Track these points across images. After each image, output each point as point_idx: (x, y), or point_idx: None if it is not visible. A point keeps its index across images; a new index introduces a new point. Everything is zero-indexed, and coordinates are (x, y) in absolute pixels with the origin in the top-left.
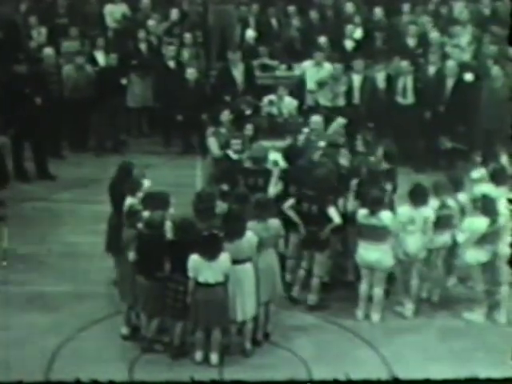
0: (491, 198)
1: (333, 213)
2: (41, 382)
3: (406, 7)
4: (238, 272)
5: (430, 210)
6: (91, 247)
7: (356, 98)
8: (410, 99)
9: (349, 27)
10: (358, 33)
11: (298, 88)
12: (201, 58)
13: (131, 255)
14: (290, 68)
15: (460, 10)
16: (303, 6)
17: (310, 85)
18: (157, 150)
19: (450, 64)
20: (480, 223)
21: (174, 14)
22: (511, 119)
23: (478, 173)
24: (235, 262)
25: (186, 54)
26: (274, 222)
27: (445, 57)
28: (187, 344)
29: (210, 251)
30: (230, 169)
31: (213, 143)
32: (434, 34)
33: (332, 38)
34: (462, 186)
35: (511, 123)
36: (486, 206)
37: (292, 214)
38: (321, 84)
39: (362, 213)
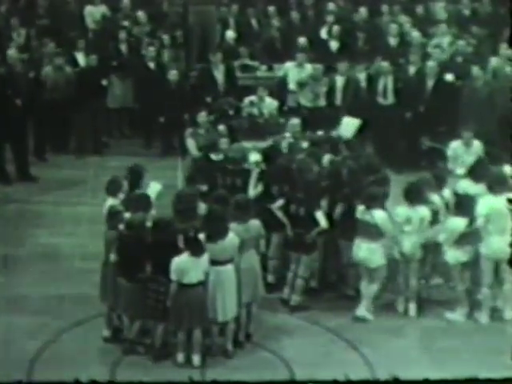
0: (467, 197)
1: (320, 216)
2: (41, 382)
3: (384, 7)
4: (219, 273)
5: (426, 209)
6: (72, 249)
7: (338, 98)
8: (390, 99)
9: (334, 27)
10: (338, 32)
11: (279, 89)
12: (181, 59)
13: (112, 256)
14: (270, 68)
15: (440, 10)
16: (283, 6)
17: (292, 85)
18: (138, 152)
19: (431, 64)
20: (458, 223)
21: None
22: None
23: (462, 169)
24: (217, 262)
25: (166, 54)
26: (255, 223)
27: (426, 57)
28: (169, 345)
29: (200, 249)
30: (209, 169)
31: (191, 144)
32: (415, 34)
33: (312, 38)
34: (445, 183)
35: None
36: (461, 205)
37: (280, 214)
38: (301, 84)
39: (360, 208)
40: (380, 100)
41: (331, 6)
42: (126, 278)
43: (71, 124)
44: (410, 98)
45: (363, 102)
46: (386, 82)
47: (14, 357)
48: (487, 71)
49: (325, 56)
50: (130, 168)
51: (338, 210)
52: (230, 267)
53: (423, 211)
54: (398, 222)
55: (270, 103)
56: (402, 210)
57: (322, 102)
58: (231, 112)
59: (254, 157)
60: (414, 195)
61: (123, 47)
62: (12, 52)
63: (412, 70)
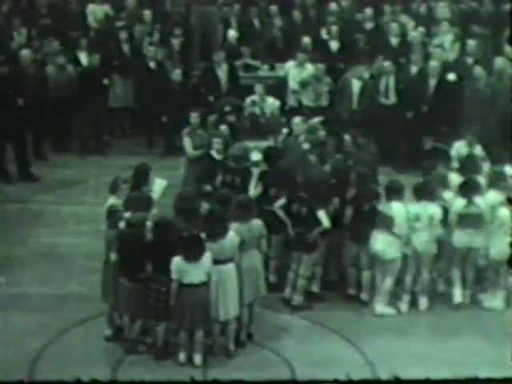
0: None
1: (322, 216)
2: (41, 382)
3: (386, 7)
4: (220, 272)
5: (436, 207)
6: (74, 248)
7: (354, 102)
8: (392, 99)
9: (333, 28)
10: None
11: (279, 88)
12: (182, 58)
13: (113, 256)
14: (272, 68)
15: (443, 9)
16: (285, 5)
17: (293, 85)
18: (140, 151)
19: (433, 64)
20: (458, 203)
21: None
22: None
23: None
24: (218, 262)
25: (167, 54)
26: (257, 223)
27: (427, 57)
28: (170, 345)
29: (193, 253)
30: (211, 169)
31: (187, 143)
32: (416, 34)
33: (314, 38)
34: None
35: None
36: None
37: (281, 214)
38: (303, 84)
39: (383, 199)
40: (382, 100)
41: (333, 6)
42: (127, 278)
43: (73, 123)
44: (412, 97)
45: (372, 104)
46: (388, 82)
47: (16, 356)
48: (489, 71)
49: (326, 56)
50: (135, 167)
51: (348, 212)
52: (230, 266)
53: (433, 209)
54: (408, 219)
55: (272, 103)
56: (411, 207)
57: (324, 102)
58: (233, 112)
59: (256, 156)
60: (422, 192)
61: (125, 47)
62: (25, 53)
63: (414, 69)
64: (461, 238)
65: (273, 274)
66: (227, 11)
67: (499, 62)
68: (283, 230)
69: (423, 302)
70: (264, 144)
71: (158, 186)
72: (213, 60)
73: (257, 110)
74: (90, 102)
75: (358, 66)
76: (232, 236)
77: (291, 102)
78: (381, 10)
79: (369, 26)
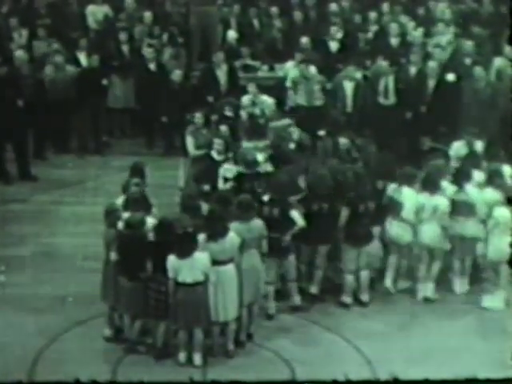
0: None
1: (296, 215)
2: (41, 383)
3: (385, 7)
4: (220, 273)
5: (441, 198)
6: (73, 248)
7: (349, 105)
8: (391, 100)
9: (333, 28)
10: (339, 34)
11: (279, 89)
12: (182, 59)
13: (113, 255)
14: (272, 69)
15: (442, 9)
16: (285, 6)
17: (289, 85)
18: (139, 152)
19: (431, 64)
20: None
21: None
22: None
23: None
24: (218, 262)
25: (167, 55)
26: (257, 223)
27: (427, 57)
28: (170, 345)
29: (183, 250)
30: (210, 169)
31: (190, 142)
32: (416, 34)
33: (315, 38)
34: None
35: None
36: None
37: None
38: (295, 84)
39: (392, 186)
40: (381, 100)
41: (333, 6)
42: (127, 278)
43: (72, 124)
44: (411, 98)
45: (369, 105)
46: (387, 82)
47: (15, 356)
48: (489, 71)
49: (325, 57)
50: (131, 166)
51: (344, 214)
52: (230, 267)
53: (438, 200)
54: (417, 207)
55: (272, 103)
56: (419, 197)
57: (318, 101)
58: (233, 112)
59: (258, 157)
60: (425, 183)
61: (124, 47)
62: (19, 53)
63: (413, 70)
64: (452, 225)
65: None
66: (227, 12)
67: (499, 62)
68: None
69: (431, 289)
70: (263, 144)
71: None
72: (212, 61)
73: (257, 111)
74: (89, 103)
75: (350, 66)
76: (232, 237)
77: (290, 102)
78: (380, 11)
79: (373, 28)
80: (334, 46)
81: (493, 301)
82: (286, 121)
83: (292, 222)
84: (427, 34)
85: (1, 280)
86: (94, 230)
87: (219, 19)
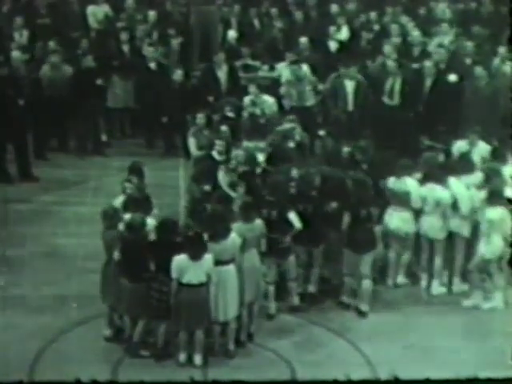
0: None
1: (293, 218)
2: (41, 382)
3: (388, 9)
4: (221, 273)
5: (444, 191)
6: (74, 248)
7: (350, 104)
8: (396, 100)
9: (332, 28)
10: (344, 33)
11: (274, 89)
12: (182, 59)
13: (116, 254)
14: (272, 68)
15: (443, 9)
16: (286, 6)
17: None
18: (139, 152)
19: (427, 64)
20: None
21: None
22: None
23: None
24: (219, 262)
25: (167, 55)
26: (259, 223)
27: (426, 56)
28: (171, 345)
29: (197, 251)
30: (210, 169)
31: (192, 143)
32: (416, 34)
33: (315, 38)
34: None
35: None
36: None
37: None
38: (287, 84)
39: (391, 179)
40: (386, 100)
41: (334, 7)
42: (129, 279)
43: (72, 123)
44: (410, 97)
45: (372, 105)
46: (394, 83)
47: (15, 356)
48: (490, 71)
49: (324, 57)
50: (129, 166)
51: (346, 219)
52: (231, 267)
53: (440, 193)
54: (420, 196)
55: (272, 103)
56: (422, 189)
57: (310, 102)
58: (233, 112)
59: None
60: (430, 176)
61: (125, 47)
62: (15, 54)
63: (412, 69)
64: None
65: None
66: (227, 11)
67: (497, 61)
68: None
69: (435, 285)
70: (264, 144)
71: None
72: (213, 61)
73: (257, 111)
74: (87, 103)
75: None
76: (234, 237)
77: (287, 102)
78: (382, 11)
79: (375, 27)
80: (333, 45)
81: (492, 302)
82: (291, 124)
83: (290, 224)
84: (427, 34)
85: (1, 280)
86: (94, 230)
87: (219, 19)
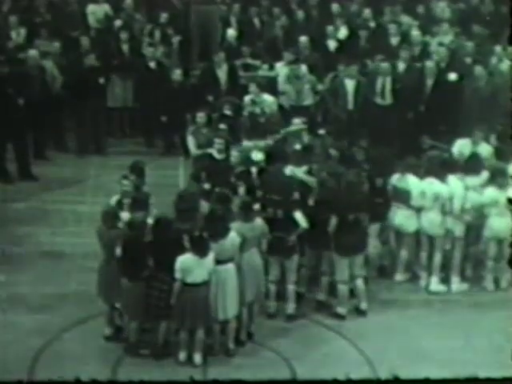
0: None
1: (299, 217)
2: (41, 382)
3: (386, 7)
4: (220, 272)
5: (442, 186)
6: (73, 247)
7: (350, 102)
8: (388, 100)
9: (330, 28)
10: (343, 33)
11: (272, 88)
12: (182, 58)
13: (118, 251)
14: (272, 68)
15: (442, 8)
16: (286, 5)
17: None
18: (139, 151)
19: (429, 64)
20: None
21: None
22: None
23: None
24: (218, 262)
25: (168, 54)
26: (259, 222)
27: (426, 56)
28: (171, 344)
29: (204, 249)
30: (210, 168)
31: (191, 142)
32: (416, 33)
33: (314, 37)
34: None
35: None
36: None
37: None
38: (285, 82)
39: (395, 176)
40: (378, 100)
41: (335, 7)
42: (128, 278)
43: (71, 123)
44: (409, 97)
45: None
46: (385, 83)
47: (15, 355)
48: (490, 70)
49: (324, 56)
50: (130, 166)
51: (333, 222)
52: (230, 266)
53: (438, 186)
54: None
55: (272, 102)
56: (421, 183)
57: (307, 101)
58: (233, 111)
59: (256, 156)
60: (430, 170)
61: (125, 46)
62: (33, 53)
63: (402, 66)
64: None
65: None
66: (227, 10)
67: (496, 60)
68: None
69: (434, 282)
70: (263, 143)
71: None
72: (213, 60)
73: (257, 110)
74: (88, 102)
75: (348, 66)
76: (233, 236)
77: (284, 101)
78: (380, 10)
79: (371, 25)
80: (332, 45)
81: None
82: (301, 126)
83: (296, 223)
84: (427, 33)
85: (1, 279)
86: (94, 228)
87: (219, 17)
